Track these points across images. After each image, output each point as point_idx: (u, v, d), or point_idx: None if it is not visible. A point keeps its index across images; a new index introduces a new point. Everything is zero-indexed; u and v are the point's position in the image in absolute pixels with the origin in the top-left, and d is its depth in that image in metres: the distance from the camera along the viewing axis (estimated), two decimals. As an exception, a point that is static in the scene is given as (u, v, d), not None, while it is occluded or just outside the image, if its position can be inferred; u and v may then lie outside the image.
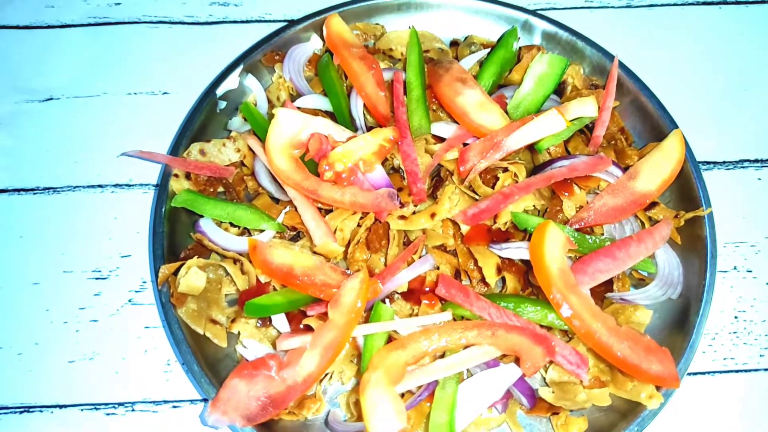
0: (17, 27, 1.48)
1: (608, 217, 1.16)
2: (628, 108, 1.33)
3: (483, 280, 1.13)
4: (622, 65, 1.32)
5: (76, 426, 1.11)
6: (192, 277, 1.10)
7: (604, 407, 1.08)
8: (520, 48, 1.37)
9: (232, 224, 1.17)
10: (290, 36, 1.36)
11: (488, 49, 1.36)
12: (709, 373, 1.17)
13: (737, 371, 1.17)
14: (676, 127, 1.25)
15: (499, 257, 1.14)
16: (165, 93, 1.42)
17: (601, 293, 1.15)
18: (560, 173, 1.17)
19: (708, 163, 1.36)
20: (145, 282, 1.23)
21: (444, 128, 1.25)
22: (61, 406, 1.13)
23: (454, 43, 1.43)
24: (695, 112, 1.39)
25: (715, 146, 1.37)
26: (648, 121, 1.31)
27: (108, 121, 1.38)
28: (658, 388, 1.04)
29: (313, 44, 1.39)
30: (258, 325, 1.12)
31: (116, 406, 1.13)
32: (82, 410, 1.12)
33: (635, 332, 1.05)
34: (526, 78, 1.28)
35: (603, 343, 1.02)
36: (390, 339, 1.07)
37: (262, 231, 1.17)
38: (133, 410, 1.13)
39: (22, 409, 1.12)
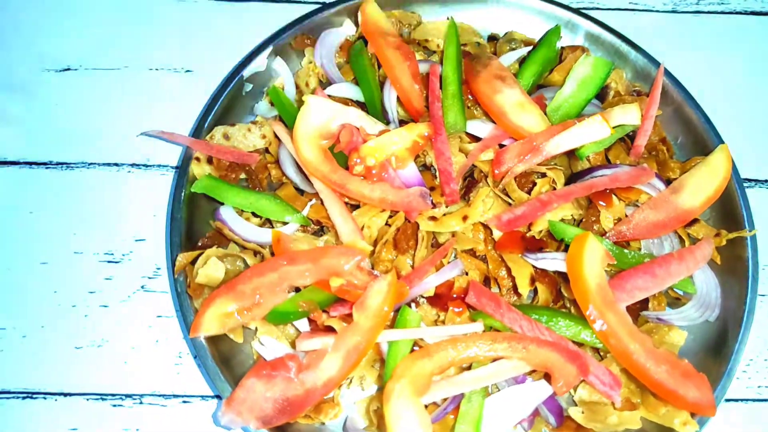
0: (36, -10, 1.41)
1: (648, 232, 1.11)
2: (671, 118, 1.28)
3: (514, 289, 1.09)
4: (666, 72, 1.26)
5: (81, 416, 1.06)
6: (211, 267, 1.05)
7: (634, 430, 1.03)
8: (562, 48, 1.31)
9: (254, 214, 1.12)
10: (322, 20, 1.30)
11: (529, 47, 1.31)
12: (742, 400, 1.13)
13: (772, 400, 1.13)
14: (722, 141, 1.20)
15: (533, 267, 1.09)
16: (188, 71, 1.36)
17: (636, 311, 1.11)
18: (602, 183, 1.11)
19: (750, 180, 1.31)
20: (159, 268, 1.18)
21: (479, 127, 1.20)
22: (65, 394, 1.08)
23: (493, 38, 1.37)
24: (739, 125, 1.33)
25: (759, 163, 1.32)
26: (691, 132, 1.25)
27: (127, 97, 1.32)
28: (692, 414, 1.00)
29: (346, 30, 1.33)
30: (276, 321, 1.07)
31: (123, 397, 1.08)
32: (87, 400, 1.08)
33: (673, 355, 1.01)
34: (568, 80, 1.22)
35: (640, 365, 0.98)
36: (415, 347, 1.02)
37: (285, 223, 1.12)
38: (141, 403, 1.08)
39: (24, 395, 1.07)
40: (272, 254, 1.08)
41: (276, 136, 1.19)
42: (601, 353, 1.07)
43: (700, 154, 1.21)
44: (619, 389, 0.99)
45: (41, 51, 1.35)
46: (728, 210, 1.17)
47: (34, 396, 1.07)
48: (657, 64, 1.28)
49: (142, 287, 1.16)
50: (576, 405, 1.04)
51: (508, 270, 1.10)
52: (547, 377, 1.00)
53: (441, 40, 1.31)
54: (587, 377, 0.98)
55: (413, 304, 1.08)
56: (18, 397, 1.07)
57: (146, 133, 1.21)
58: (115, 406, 1.08)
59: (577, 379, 0.98)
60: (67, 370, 1.09)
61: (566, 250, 1.06)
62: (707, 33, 1.47)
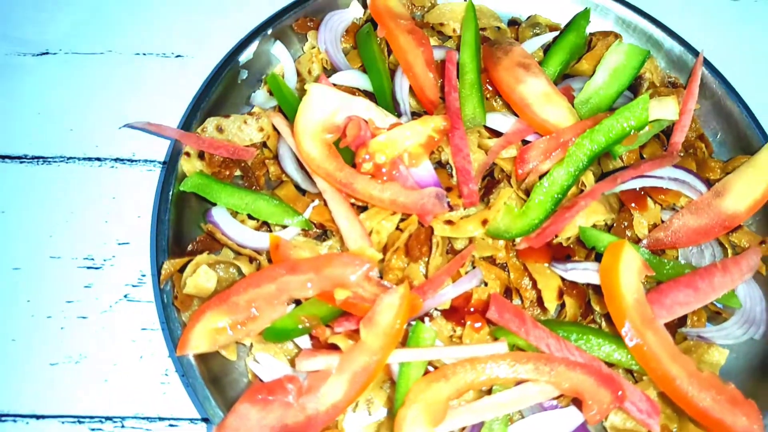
0: (12, -33, 1.31)
1: (688, 239, 1.02)
2: (710, 112, 1.19)
3: (539, 302, 0.99)
4: (705, 62, 1.17)
5: (55, 441, 0.97)
6: (201, 277, 0.96)
7: (670, 462, 0.93)
8: (591, 34, 1.21)
9: (249, 216, 1.02)
10: (326, 0, 1.21)
11: (555, 33, 1.22)
12: (790, 428, 1.03)
13: (823, 428, 1.03)
14: (768, 138, 1.10)
15: (561, 279, 0.98)
16: (178, 56, 1.28)
17: (673, 327, 1.01)
18: (627, 174, 1.02)
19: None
20: (144, 275, 1.09)
21: (501, 120, 1.11)
22: (38, 417, 0.99)
23: (514, 23, 1.28)
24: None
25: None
26: (733, 129, 1.16)
27: (111, 84, 1.24)
28: (737, 444, 0.90)
29: (353, 12, 1.25)
30: (274, 336, 0.97)
31: (103, 420, 0.99)
32: (63, 423, 0.99)
33: (717, 379, 0.91)
34: (599, 69, 1.13)
35: (682, 391, 0.88)
36: (429, 365, 0.92)
37: (284, 227, 1.02)
38: (122, 426, 0.99)
39: (-7, 417, 0.98)
40: (270, 261, 0.99)
41: (275, 129, 1.10)
42: (636, 376, 0.97)
43: (743, 152, 1.13)
44: (658, 417, 0.89)
45: (16, 34, 1.27)
46: (774, 215, 1.07)
47: (3, 419, 0.99)
48: (695, 52, 1.20)
49: (125, 296, 1.08)
50: (607, 433, 0.94)
51: (532, 280, 1.00)
52: (577, 403, 0.91)
53: (458, 24, 1.22)
54: (623, 404, 0.88)
55: (426, 318, 0.98)
56: (-15, 420, 0.97)
57: (131, 125, 1.13)
58: (93, 430, 0.99)
59: (612, 406, 0.89)
60: (41, 390, 1.00)
61: (597, 258, 0.96)
62: (750, 18, 1.39)
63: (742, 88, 1.16)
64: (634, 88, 1.18)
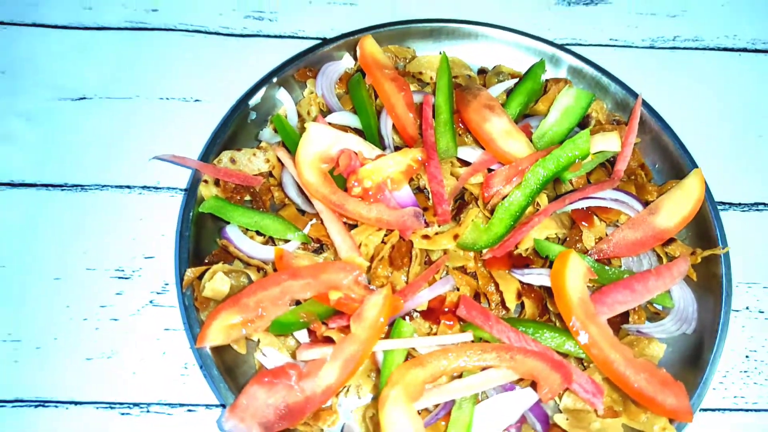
0: (54, 26, 1.50)
1: (627, 250, 1.19)
2: (649, 145, 1.36)
3: (503, 303, 1.15)
4: (644, 103, 1.35)
5: (90, 424, 1.11)
6: (217, 282, 1.11)
7: (615, 438, 1.09)
8: (546, 80, 1.40)
9: (258, 233, 1.19)
10: (323, 54, 1.39)
11: (515, 79, 1.40)
12: (719, 410, 1.18)
13: (748, 410, 1.18)
14: (696, 166, 1.28)
15: (520, 282, 1.16)
16: (197, 100, 1.44)
17: (617, 324, 1.17)
18: (575, 195, 1.20)
19: (724, 203, 1.39)
20: (167, 284, 1.23)
21: (470, 153, 1.27)
22: (76, 403, 1.12)
23: (482, 71, 1.46)
24: (713, 153, 1.42)
25: (731, 188, 1.40)
26: (668, 159, 1.34)
27: (139, 124, 1.39)
28: (671, 421, 1.06)
29: (345, 63, 1.41)
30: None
31: (131, 406, 1.13)
32: (97, 408, 1.12)
33: (651, 365, 1.07)
34: (552, 109, 1.31)
35: (620, 374, 1.03)
36: (408, 357, 1.08)
37: (287, 241, 1.18)
38: (148, 411, 1.13)
39: (37, 403, 1.12)
40: (275, 270, 1.14)
41: (279, 161, 1.26)
42: (585, 364, 1.12)
43: (677, 178, 1.28)
44: (602, 397, 1.04)
45: (58, 82, 1.43)
46: (703, 230, 1.25)
47: (46, 404, 1.12)
48: (635, 95, 1.36)
49: (151, 302, 1.22)
50: (561, 413, 1.10)
51: (497, 285, 1.16)
52: (534, 386, 1.06)
53: (434, 72, 1.40)
54: (571, 385, 1.04)
55: (407, 318, 1.14)
56: (31, 406, 1.12)
57: (158, 157, 1.28)
58: (123, 414, 1.12)
59: (562, 387, 1.04)
60: (78, 380, 1.14)
61: (551, 266, 1.13)
62: (683, 67, 1.56)
63: (674, 124, 1.33)
64: (583, 125, 1.34)
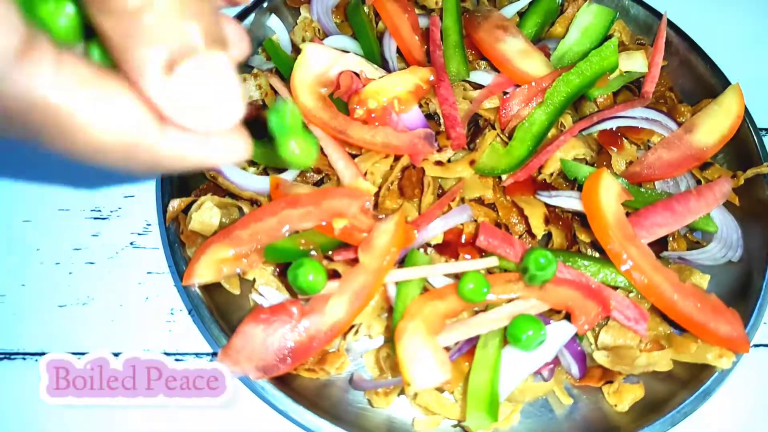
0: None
1: (663, 172, 1.08)
2: (677, 69, 1.26)
3: (528, 232, 1.03)
4: (670, 24, 1.24)
5: (63, 377, 0.97)
6: (206, 212, 0.98)
7: (661, 375, 0.96)
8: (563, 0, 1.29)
9: (251, 163, 1.06)
10: (318, -21, 1.28)
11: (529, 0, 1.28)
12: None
13: (803, 345, 1.07)
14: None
15: (547, 207, 1.04)
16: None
17: (656, 252, 1.04)
18: (603, 114, 1.08)
19: (762, 129, 1.27)
20: (149, 224, 1.11)
21: (483, 76, 1.16)
22: (46, 354, 0.99)
23: (491, -4, 1.35)
24: (749, 77, 1.29)
25: (769, 112, 1.28)
26: (699, 82, 1.23)
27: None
28: (724, 352, 0.93)
29: (343, -11, 1.30)
30: (276, 272, 1.00)
31: (110, 356, 0.99)
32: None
33: (700, 290, 0.96)
34: (571, 28, 1.20)
35: (666, 299, 0.92)
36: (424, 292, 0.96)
37: (285, 170, 1.06)
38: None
39: (2, 356, 0.99)
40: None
41: (273, 89, 1.14)
42: (626, 294, 1.00)
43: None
44: (645, 322, 0.93)
45: None
46: (743, 152, 1.13)
47: (12, 357, 0.99)
48: (659, 16, 1.26)
49: (131, 243, 1.09)
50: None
51: (521, 214, 1.04)
52: (569, 318, 0.94)
53: None
54: (610, 312, 0.92)
55: (421, 251, 1.02)
56: (-5, 359, 0.98)
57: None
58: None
59: (600, 316, 0.92)
60: (49, 330, 1.01)
61: (580, 190, 1.01)
62: None
63: (705, 46, 1.23)
64: (605, 47, 1.25)
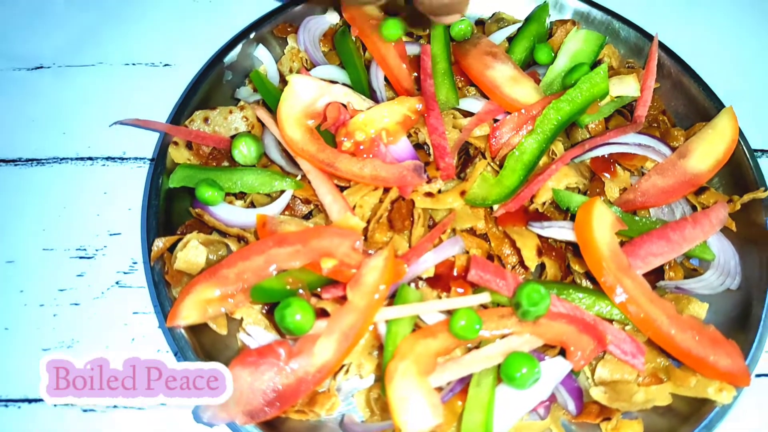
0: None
1: (657, 199, 1.06)
2: (669, 92, 1.24)
3: (521, 263, 1.01)
4: (662, 46, 1.23)
5: (47, 424, 0.96)
6: (191, 251, 0.97)
7: (660, 410, 0.94)
8: (552, 23, 1.28)
9: (237, 196, 1.05)
10: (304, 9, 1.26)
11: (518, 24, 1.27)
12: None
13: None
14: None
15: (539, 239, 1.01)
16: (166, 65, 1.31)
17: (652, 282, 1.02)
18: (595, 141, 1.07)
19: (757, 151, 1.25)
20: (135, 263, 1.09)
21: (472, 103, 1.15)
22: (30, 401, 0.97)
23: (480, 22, 1.33)
24: (742, 98, 1.28)
25: (764, 133, 1.26)
26: (692, 105, 1.21)
27: (102, 92, 1.26)
28: (724, 386, 0.91)
29: (329, 18, 1.29)
30: (264, 311, 0.98)
31: (95, 401, 0.97)
32: (55, 405, 0.97)
33: (698, 322, 0.93)
34: (560, 54, 1.19)
35: (664, 332, 0.89)
36: (416, 329, 0.93)
37: (273, 199, 1.04)
38: (115, 407, 0.97)
39: (-16, 403, 0.96)
40: (258, 239, 1.00)
41: (259, 120, 1.12)
42: (622, 328, 0.98)
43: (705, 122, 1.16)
44: (643, 356, 0.90)
45: (11, 51, 1.30)
46: (738, 176, 1.12)
47: None
48: (650, 38, 1.25)
49: (117, 283, 1.07)
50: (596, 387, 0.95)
51: (513, 245, 1.02)
52: (564, 354, 0.91)
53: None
54: (607, 347, 0.90)
55: (412, 284, 1.00)
56: (-23, 406, 0.96)
57: (120, 122, 1.14)
58: (85, 411, 0.97)
59: (596, 351, 0.90)
60: (34, 375, 0.96)
61: (573, 219, 0.99)
62: (702, 2, 1.43)
63: (696, 68, 1.22)
64: (595, 71, 1.24)
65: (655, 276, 1.02)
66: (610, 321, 0.95)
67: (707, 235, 1.00)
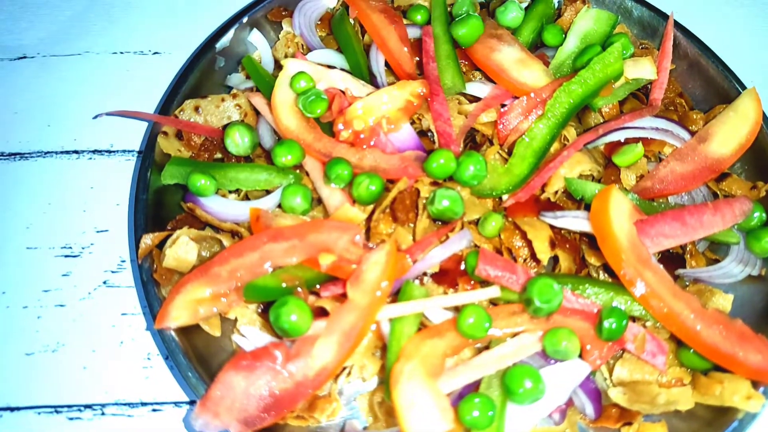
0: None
1: (676, 186, 1.00)
2: (686, 73, 1.18)
3: (533, 256, 0.95)
4: (677, 25, 1.16)
5: (31, 433, 0.90)
6: (181, 248, 0.91)
7: (683, 414, 0.88)
8: (560, 2, 1.22)
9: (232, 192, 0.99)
10: (299, -8, 1.21)
11: (524, 4, 1.20)
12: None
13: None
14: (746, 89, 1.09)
15: (552, 230, 0.95)
16: (155, 53, 1.26)
17: (671, 271, 0.96)
18: (609, 125, 1.01)
19: (781, 134, 1.18)
20: (123, 261, 1.04)
21: (479, 88, 1.09)
22: (12, 409, 0.93)
23: (484, 5, 1.27)
24: (765, 77, 1.22)
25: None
26: (711, 87, 1.15)
27: (89, 82, 1.21)
28: (754, 385, 0.85)
29: (326, 1, 1.23)
30: (259, 310, 0.93)
31: (82, 408, 0.93)
32: (39, 413, 0.92)
33: (724, 316, 0.87)
34: (569, 35, 1.13)
35: (689, 328, 0.84)
36: (421, 328, 0.88)
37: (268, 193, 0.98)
38: (103, 414, 0.92)
39: (-36, 412, 0.91)
40: (251, 234, 0.93)
41: (253, 108, 1.07)
42: (642, 324, 0.92)
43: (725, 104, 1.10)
44: (664, 355, 0.85)
45: None
46: (762, 161, 1.05)
47: None
48: (665, 16, 1.18)
49: (104, 283, 1.02)
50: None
51: (524, 237, 0.96)
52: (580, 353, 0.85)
53: (427, 4, 1.20)
54: (625, 345, 0.84)
55: (416, 281, 0.94)
56: (-44, 415, 0.91)
57: (106, 113, 1.08)
58: (72, 419, 0.92)
59: (613, 349, 0.84)
60: (16, 381, 0.94)
61: (587, 208, 0.93)
62: None
63: (715, 47, 1.16)
64: (607, 52, 1.18)
65: (673, 264, 0.96)
66: (631, 318, 0.89)
67: (726, 225, 0.94)
